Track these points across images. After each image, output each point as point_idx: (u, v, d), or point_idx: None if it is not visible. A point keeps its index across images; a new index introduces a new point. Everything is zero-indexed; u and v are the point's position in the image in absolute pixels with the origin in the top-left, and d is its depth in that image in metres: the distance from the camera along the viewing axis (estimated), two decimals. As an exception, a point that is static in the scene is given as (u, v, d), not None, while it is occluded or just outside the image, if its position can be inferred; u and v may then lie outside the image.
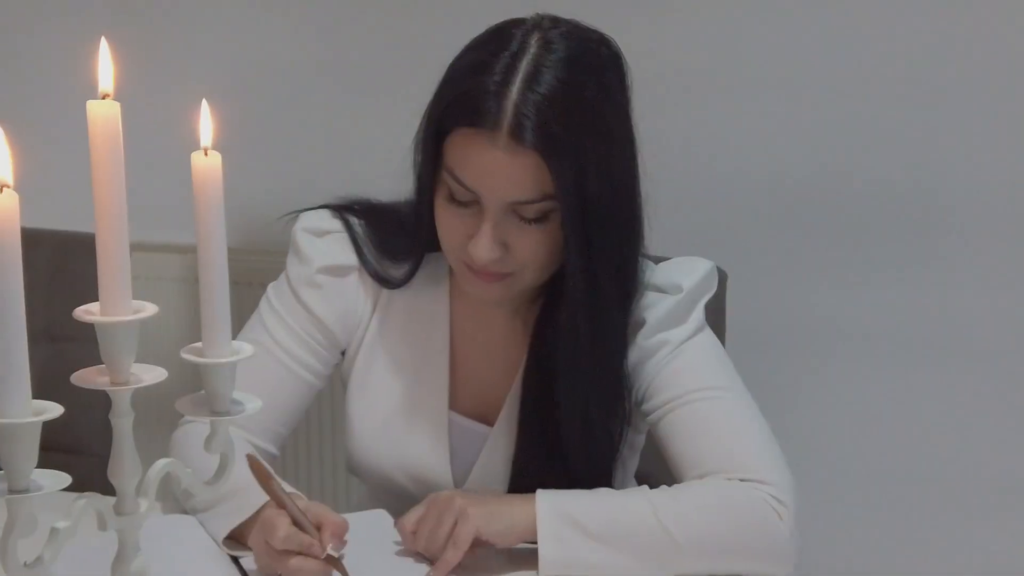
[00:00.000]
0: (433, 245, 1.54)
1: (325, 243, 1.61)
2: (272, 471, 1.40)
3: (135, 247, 2.05)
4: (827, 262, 2.19)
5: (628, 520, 1.44)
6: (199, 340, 1.13)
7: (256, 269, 2.13)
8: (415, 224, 1.55)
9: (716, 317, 1.80)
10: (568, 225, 1.43)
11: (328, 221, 1.62)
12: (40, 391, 1.93)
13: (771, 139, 2.17)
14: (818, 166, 2.16)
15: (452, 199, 1.46)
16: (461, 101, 1.43)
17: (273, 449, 1.61)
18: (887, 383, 2.20)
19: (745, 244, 2.17)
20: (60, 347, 1.94)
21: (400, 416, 1.61)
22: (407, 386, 1.61)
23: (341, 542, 1.39)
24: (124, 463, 1.10)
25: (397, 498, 1.62)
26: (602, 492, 1.49)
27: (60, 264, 1.97)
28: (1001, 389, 2.16)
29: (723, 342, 1.82)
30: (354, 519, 1.52)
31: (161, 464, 1.13)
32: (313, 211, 1.64)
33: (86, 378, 1.08)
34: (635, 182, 1.50)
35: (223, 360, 1.13)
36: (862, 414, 2.22)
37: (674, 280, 1.58)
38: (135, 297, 1.99)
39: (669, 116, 2.16)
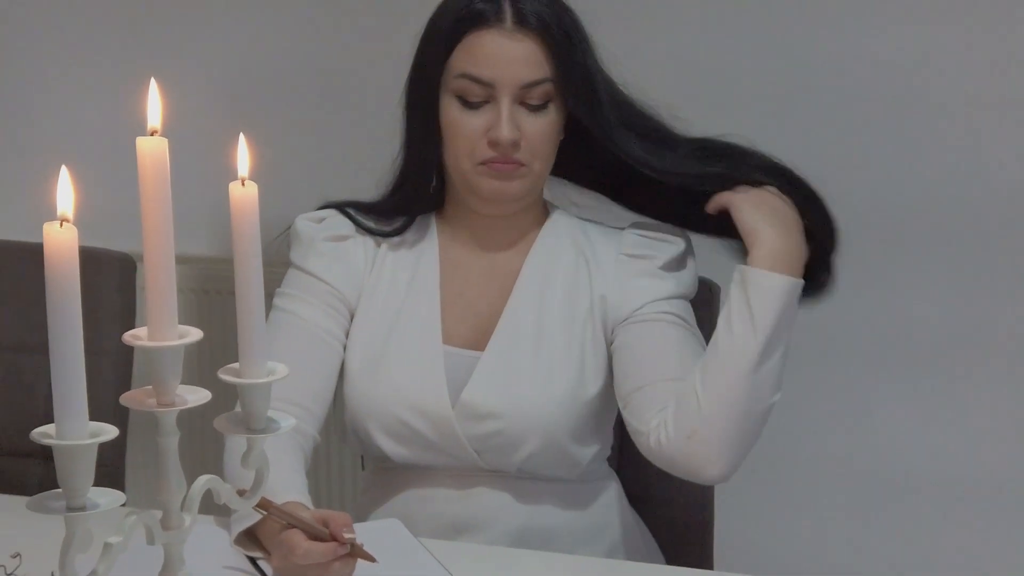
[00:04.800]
0: (420, 206, 1.78)
1: (323, 223, 1.80)
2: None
3: (139, 258, 2.10)
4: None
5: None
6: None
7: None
8: (413, 177, 1.76)
9: (708, 329, 1.86)
10: (571, 95, 1.69)
11: (323, 212, 1.82)
12: (51, 402, 1.97)
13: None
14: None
15: (465, 105, 1.68)
16: (465, 14, 1.68)
17: (317, 410, 1.70)
18: (880, 389, 2.24)
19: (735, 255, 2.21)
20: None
21: (397, 353, 1.72)
22: (401, 326, 1.74)
23: (351, 528, 1.44)
24: (170, 480, 1.15)
25: (404, 442, 1.71)
26: None
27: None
28: (993, 393, 2.20)
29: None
30: (368, 528, 1.58)
31: (203, 481, 1.18)
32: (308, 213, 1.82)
33: (134, 399, 1.13)
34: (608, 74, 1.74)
35: (260, 380, 1.18)
36: (857, 420, 2.25)
37: (667, 236, 1.79)
38: (140, 304, 2.03)
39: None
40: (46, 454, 1.95)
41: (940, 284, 2.18)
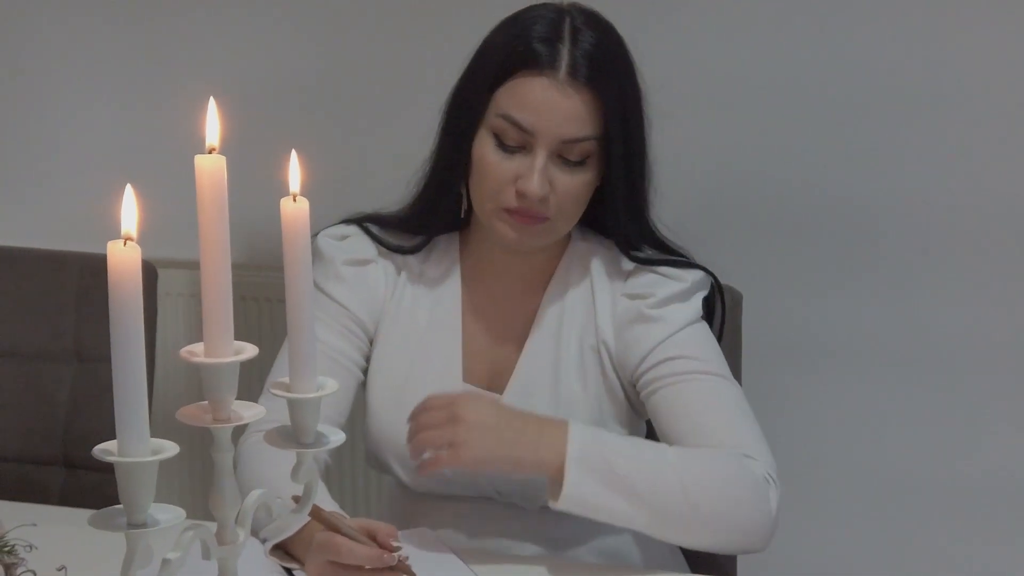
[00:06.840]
0: (439, 225, 1.73)
1: (345, 243, 1.76)
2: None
3: (165, 264, 2.11)
4: (839, 278, 2.24)
5: (654, 476, 1.53)
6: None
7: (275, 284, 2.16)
8: (433, 193, 1.71)
9: (732, 336, 1.87)
10: (613, 156, 1.62)
11: (345, 228, 1.77)
12: (72, 410, 1.96)
13: (779, 159, 2.22)
14: (829, 184, 2.21)
15: (500, 146, 1.61)
16: (519, 51, 1.61)
17: None
18: (901, 395, 2.25)
19: (757, 263, 2.22)
20: (88, 367, 1.99)
21: (417, 390, 1.67)
22: (423, 360, 1.72)
23: (397, 538, 1.46)
24: (224, 495, 1.15)
25: (423, 476, 1.68)
26: (633, 441, 1.61)
27: (89, 286, 2.00)
28: (1009, 399, 2.22)
29: (739, 359, 1.89)
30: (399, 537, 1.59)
31: (256, 496, 1.18)
32: (330, 226, 1.78)
33: (191, 415, 1.13)
34: (648, 132, 1.69)
35: (310, 395, 1.18)
36: (879, 426, 2.27)
37: (679, 273, 1.72)
38: (161, 311, 2.03)
39: (678, 138, 2.21)
40: (68, 462, 1.99)
41: (952, 289, 2.20)
